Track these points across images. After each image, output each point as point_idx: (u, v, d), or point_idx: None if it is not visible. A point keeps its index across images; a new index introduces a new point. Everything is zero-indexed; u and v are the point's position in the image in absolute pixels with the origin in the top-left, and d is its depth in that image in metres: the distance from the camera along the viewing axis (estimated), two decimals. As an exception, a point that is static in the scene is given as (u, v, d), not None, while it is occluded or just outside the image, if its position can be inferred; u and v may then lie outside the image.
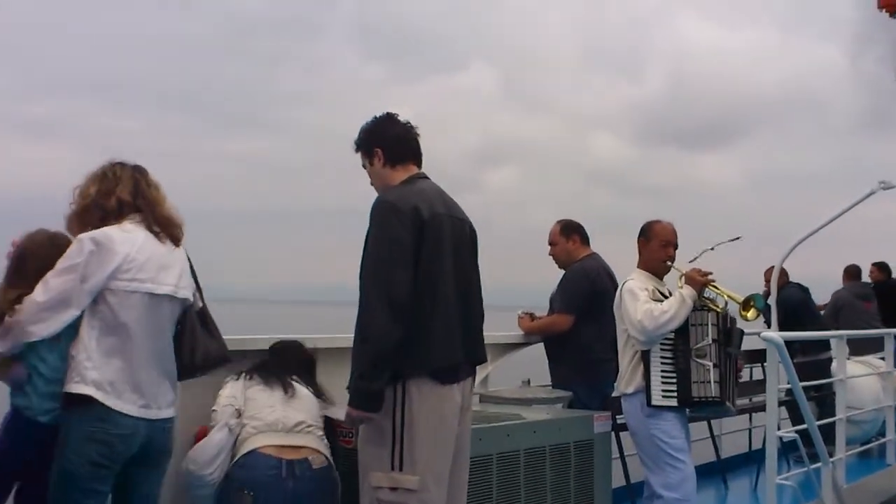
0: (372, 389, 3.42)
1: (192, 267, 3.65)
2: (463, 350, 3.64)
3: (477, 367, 3.86)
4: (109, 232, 3.36)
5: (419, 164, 3.81)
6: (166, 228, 3.52)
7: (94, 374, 3.28)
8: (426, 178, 3.79)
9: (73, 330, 3.32)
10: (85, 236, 3.33)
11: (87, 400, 3.26)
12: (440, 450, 3.54)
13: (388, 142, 3.75)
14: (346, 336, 5.37)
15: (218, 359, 3.72)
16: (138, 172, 3.54)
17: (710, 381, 4.81)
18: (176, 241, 3.56)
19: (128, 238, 3.38)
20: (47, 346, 3.35)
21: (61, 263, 3.29)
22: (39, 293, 3.27)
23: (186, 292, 3.57)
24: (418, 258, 3.49)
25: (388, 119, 3.81)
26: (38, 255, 3.45)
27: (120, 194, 3.45)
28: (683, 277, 4.96)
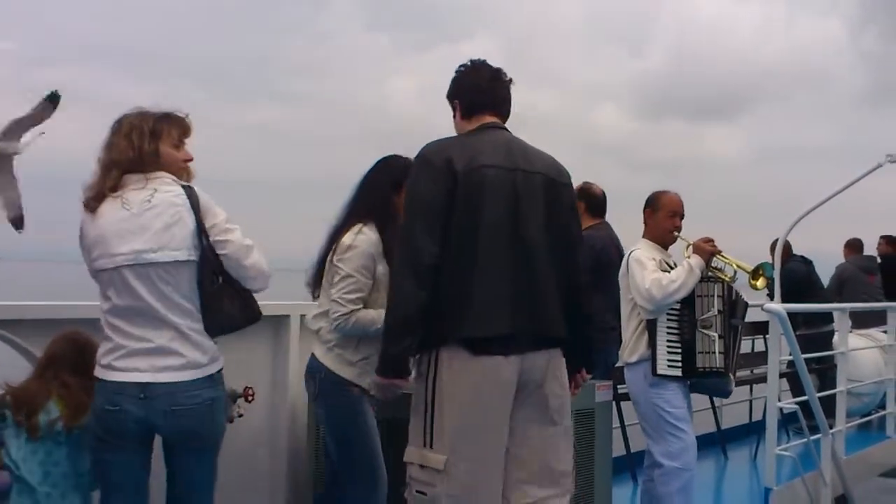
0: (389, 354, 3.21)
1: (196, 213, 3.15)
2: (516, 319, 3.22)
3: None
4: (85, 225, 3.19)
5: (500, 114, 3.50)
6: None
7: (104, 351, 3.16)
8: (498, 127, 3.46)
9: (52, 436, 3.26)
10: None
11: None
12: (475, 429, 3.18)
13: (465, 92, 3.51)
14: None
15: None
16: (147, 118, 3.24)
17: (715, 352, 4.81)
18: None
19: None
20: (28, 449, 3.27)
21: None
22: None
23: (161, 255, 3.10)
24: (452, 214, 3.20)
25: (468, 68, 3.54)
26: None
27: (140, 144, 3.18)
28: (691, 247, 4.93)
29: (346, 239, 3.92)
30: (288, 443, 4.83)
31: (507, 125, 3.52)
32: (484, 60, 3.56)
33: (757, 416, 8.17)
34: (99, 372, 3.14)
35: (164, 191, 3.14)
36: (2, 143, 3.33)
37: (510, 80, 3.54)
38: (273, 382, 4.78)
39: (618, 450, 5.83)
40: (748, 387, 8.18)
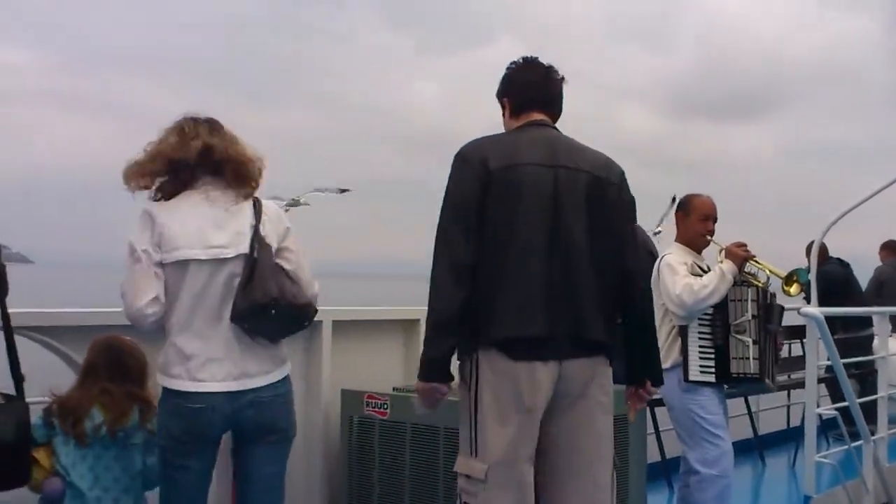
0: (430, 357, 3.15)
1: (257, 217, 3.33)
2: (551, 321, 3.12)
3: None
4: (155, 213, 3.25)
5: (549, 112, 3.42)
6: (235, 182, 3.33)
7: (172, 350, 3.22)
8: (544, 125, 3.38)
9: (98, 440, 3.34)
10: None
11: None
12: (515, 436, 3.11)
13: (516, 90, 3.43)
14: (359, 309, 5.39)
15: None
16: (212, 126, 3.37)
17: (749, 358, 4.75)
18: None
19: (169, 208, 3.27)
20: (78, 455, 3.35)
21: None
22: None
23: (233, 250, 3.26)
24: (487, 214, 3.15)
25: (520, 65, 3.46)
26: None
27: (196, 150, 3.29)
28: (724, 252, 4.88)
29: None
30: (323, 448, 4.84)
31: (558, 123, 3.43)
32: (535, 58, 3.47)
33: (795, 422, 8.06)
34: (179, 383, 3.20)
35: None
36: None
37: (562, 78, 3.47)
38: (306, 389, 4.79)
39: (653, 456, 5.78)
40: (786, 392, 8.08)
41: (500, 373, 3.12)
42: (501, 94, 3.48)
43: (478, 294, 3.13)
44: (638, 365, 3.39)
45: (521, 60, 3.47)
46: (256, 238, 3.27)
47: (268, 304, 3.20)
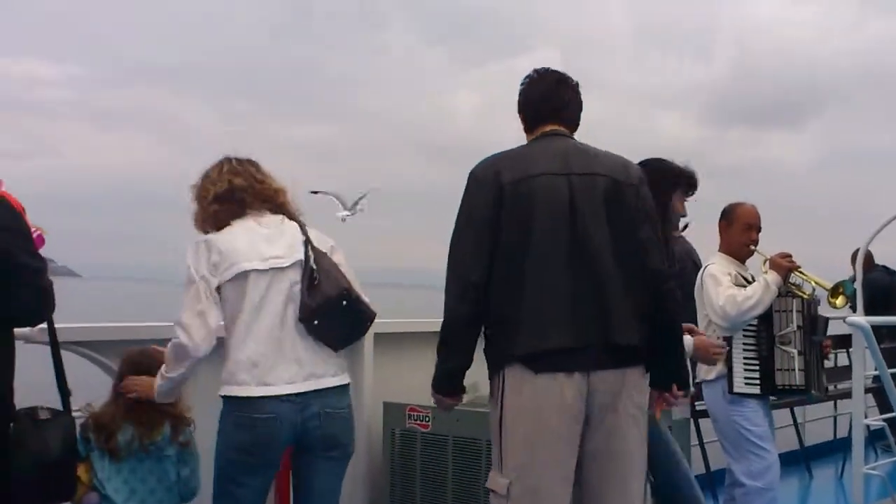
0: (440, 370, 3.23)
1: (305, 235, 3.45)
2: (577, 331, 3.04)
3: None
4: (212, 239, 3.33)
5: (563, 122, 3.35)
6: (274, 209, 3.46)
7: (236, 361, 3.24)
8: (557, 134, 3.32)
9: (132, 454, 3.37)
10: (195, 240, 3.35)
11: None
12: (538, 453, 3.04)
13: (529, 104, 3.40)
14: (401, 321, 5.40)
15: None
16: (252, 166, 3.51)
17: (794, 369, 4.70)
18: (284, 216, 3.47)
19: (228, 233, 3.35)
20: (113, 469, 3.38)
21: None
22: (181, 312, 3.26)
23: (289, 259, 3.35)
24: (500, 228, 3.10)
25: (532, 79, 3.42)
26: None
27: (238, 186, 3.41)
28: (768, 262, 4.83)
29: None
30: (366, 460, 4.85)
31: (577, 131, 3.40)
32: (547, 68, 3.43)
33: (842, 433, 7.94)
34: (246, 389, 3.20)
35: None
36: None
37: (576, 84, 3.41)
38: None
39: (697, 468, 5.73)
40: (832, 402, 7.97)
41: (524, 387, 3.06)
42: (518, 110, 3.46)
43: (499, 310, 3.11)
44: (663, 369, 3.28)
45: (533, 74, 3.42)
46: (310, 245, 3.37)
47: (340, 295, 3.31)
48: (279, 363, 3.23)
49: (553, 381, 3.03)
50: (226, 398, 3.25)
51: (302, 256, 3.34)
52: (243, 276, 3.25)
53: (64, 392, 3.19)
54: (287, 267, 3.31)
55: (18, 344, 3.10)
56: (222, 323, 3.28)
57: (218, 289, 3.26)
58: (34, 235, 3.07)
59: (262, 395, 3.19)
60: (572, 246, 3.09)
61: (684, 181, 3.95)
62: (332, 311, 3.30)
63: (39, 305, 2.98)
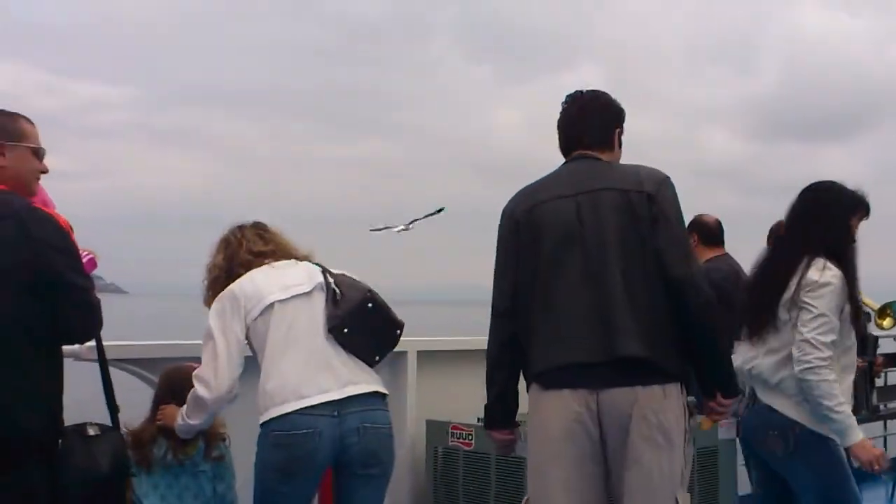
0: (487, 403, 3.29)
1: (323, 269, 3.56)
2: (580, 347, 2.99)
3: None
4: (233, 287, 3.43)
5: (587, 145, 3.28)
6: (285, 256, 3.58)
7: (270, 385, 3.29)
8: (581, 158, 3.27)
9: (168, 469, 3.44)
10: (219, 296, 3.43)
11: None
12: (547, 471, 3.02)
13: (558, 133, 3.39)
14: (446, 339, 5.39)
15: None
16: (259, 228, 3.63)
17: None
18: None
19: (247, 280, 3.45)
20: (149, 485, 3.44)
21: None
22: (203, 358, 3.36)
23: (308, 285, 3.46)
24: (519, 257, 3.18)
25: (562, 107, 3.38)
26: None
27: (249, 249, 3.53)
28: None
29: (813, 275, 3.60)
30: (409, 478, 4.85)
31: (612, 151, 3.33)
32: (576, 92, 3.38)
33: (893, 452, 7.80)
34: (285, 407, 3.23)
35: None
36: None
37: (605, 103, 3.34)
38: (392, 419, 4.80)
39: (744, 487, 5.64)
40: (882, 422, 7.82)
41: (538, 405, 3.09)
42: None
43: (522, 335, 3.15)
44: (705, 377, 3.18)
45: (566, 99, 3.38)
46: (327, 271, 3.50)
47: (365, 298, 3.40)
48: (315, 376, 3.28)
49: (558, 397, 3.00)
50: (263, 423, 3.28)
51: (322, 280, 3.45)
52: (268, 308, 3.35)
53: (113, 408, 3.22)
54: (309, 291, 3.42)
55: (68, 361, 3.15)
56: (241, 367, 3.36)
57: (248, 329, 3.37)
58: (86, 259, 3.12)
59: (298, 408, 3.21)
60: (580, 264, 3.06)
61: (863, 206, 3.80)
62: (360, 316, 3.38)
63: (87, 324, 3.02)
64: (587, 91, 3.39)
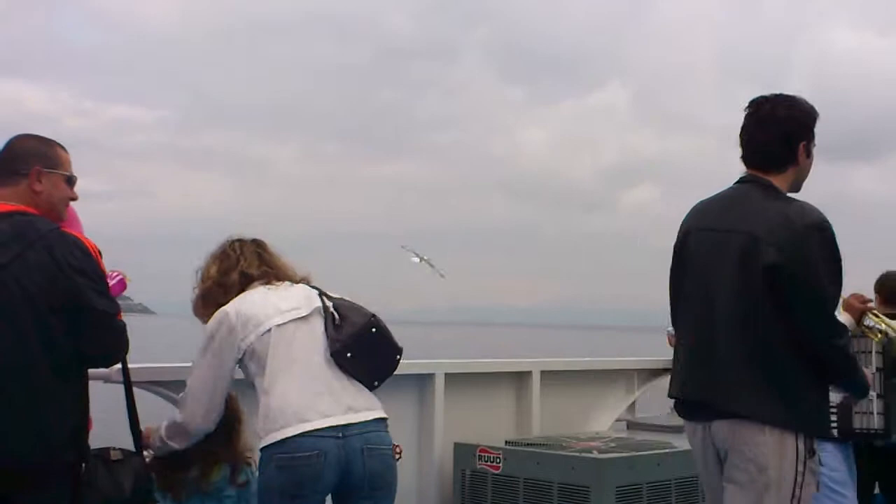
0: None
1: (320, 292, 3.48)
2: (686, 385, 3.19)
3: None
4: (229, 310, 3.34)
5: (752, 164, 3.18)
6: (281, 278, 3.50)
7: (270, 408, 3.22)
8: (741, 181, 3.20)
9: (193, 495, 3.39)
10: (215, 315, 3.36)
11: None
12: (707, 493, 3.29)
13: (739, 144, 3.28)
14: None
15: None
16: (258, 246, 3.55)
17: (873, 412, 4.56)
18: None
19: (243, 301, 3.38)
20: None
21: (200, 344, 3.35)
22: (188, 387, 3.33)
23: (306, 309, 3.38)
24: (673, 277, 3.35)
25: (744, 114, 3.23)
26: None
27: (244, 269, 3.45)
28: (842, 303, 4.71)
29: None
30: (436, 501, 4.81)
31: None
32: (759, 98, 3.21)
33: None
34: (286, 431, 3.17)
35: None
36: None
37: (784, 114, 3.15)
38: (419, 442, 4.80)
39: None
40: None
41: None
42: None
43: None
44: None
45: (747, 106, 3.22)
46: (324, 294, 3.43)
47: (369, 323, 3.34)
48: (315, 400, 3.21)
49: (689, 426, 3.25)
50: (264, 447, 3.20)
51: (319, 304, 3.37)
52: (267, 333, 3.27)
53: (136, 433, 3.23)
54: (307, 315, 3.33)
55: (98, 384, 3.15)
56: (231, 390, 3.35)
57: (243, 354, 3.29)
58: (116, 280, 3.13)
59: (301, 432, 3.14)
60: (700, 306, 3.14)
61: None
62: (364, 341, 3.31)
63: (112, 347, 3.03)
64: (769, 98, 3.21)
